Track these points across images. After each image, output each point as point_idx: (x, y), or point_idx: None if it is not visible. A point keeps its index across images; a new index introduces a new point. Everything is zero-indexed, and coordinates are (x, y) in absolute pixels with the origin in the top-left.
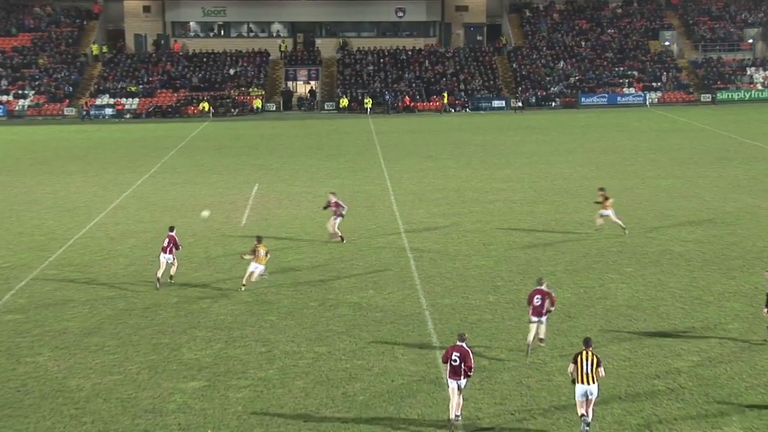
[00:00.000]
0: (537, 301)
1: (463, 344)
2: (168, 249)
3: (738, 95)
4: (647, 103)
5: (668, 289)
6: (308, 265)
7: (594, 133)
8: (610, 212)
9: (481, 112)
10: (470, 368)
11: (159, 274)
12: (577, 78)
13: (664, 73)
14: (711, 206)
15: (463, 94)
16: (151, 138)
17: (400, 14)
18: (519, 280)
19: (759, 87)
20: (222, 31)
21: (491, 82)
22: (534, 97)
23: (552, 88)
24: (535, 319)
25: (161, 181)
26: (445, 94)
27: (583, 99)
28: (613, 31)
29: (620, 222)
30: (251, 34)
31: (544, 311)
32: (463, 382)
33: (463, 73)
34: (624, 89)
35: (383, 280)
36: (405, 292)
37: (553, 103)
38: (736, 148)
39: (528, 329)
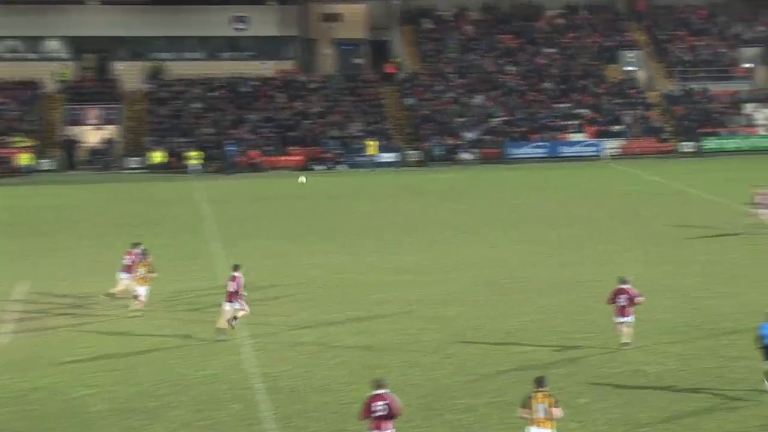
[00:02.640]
0: (622, 300)
1: (385, 391)
2: None
3: (732, 143)
4: (604, 154)
5: None
6: (107, 405)
7: (529, 199)
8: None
9: (362, 169)
10: (399, 409)
11: None
12: (502, 119)
13: (628, 112)
14: (698, 305)
15: (332, 143)
16: None
17: (240, 26)
18: (422, 419)
19: (761, 131)
20: None
21: (377, 126)
22: (439, 148)
23: (466, 135)
24: (620, 320)
25: None
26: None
27: (511, 149)
28: (552, 50)
29: None
30: (13, 55)
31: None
32: None
33: (335, 112)
34: (570, 135)
35: (219, 424)
36: None
37: (469, 156)
38: (732, 220)
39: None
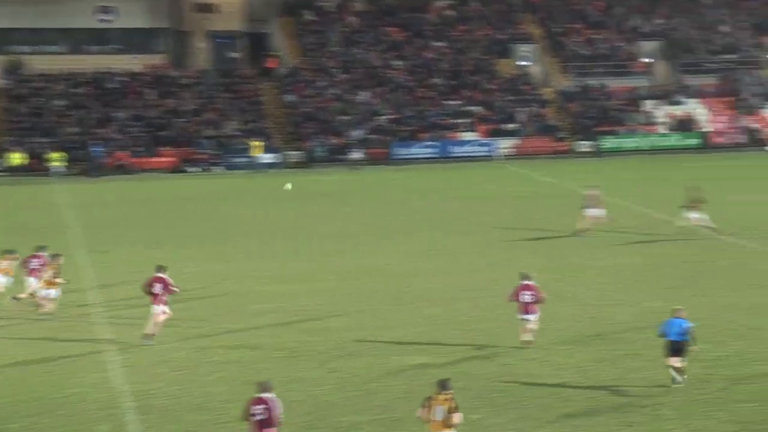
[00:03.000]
0: (526, 297)
1: (269, 395)
2: None
3: (630, 142)
4: (497, 155)
5: None
6: None
7: (418, 203)
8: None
9: (238, 171)
10: (277, 418)
11: None
12: (389, 117)
13: (522, 110)
14: (596, 313)
15: (207, 143)
16: None
17: (106, 17)
18: None
19: (661, 129)
20: None
21: (255, 125)
22: (322, 148)
23: (351, 134)
24: (524, 317)
25: None
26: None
27: (398, 150)
28: (442, 44)
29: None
30: None
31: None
32: None
33: (209, 110)
34: (461, 134)
35: None
36: None
37: (355, 156)
38: (632, 223)
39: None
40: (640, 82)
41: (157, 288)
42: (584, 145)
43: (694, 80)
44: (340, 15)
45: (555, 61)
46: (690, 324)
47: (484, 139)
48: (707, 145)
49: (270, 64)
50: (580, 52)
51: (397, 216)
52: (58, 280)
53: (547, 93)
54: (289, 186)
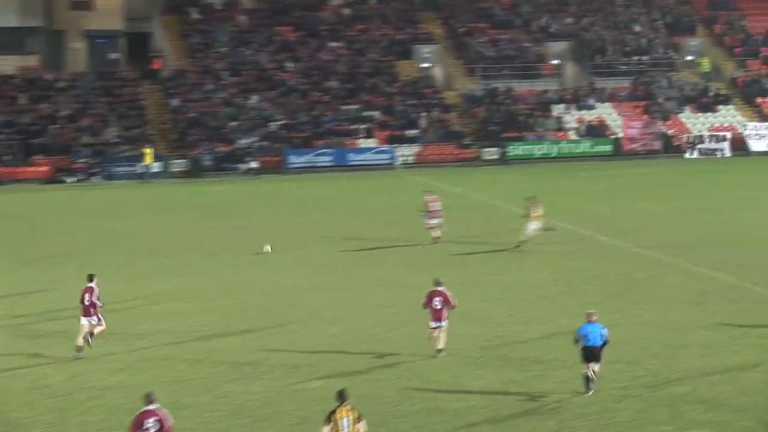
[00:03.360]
0: (437, 303)
1: (157, 407)
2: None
3: (539, 149)
4: (398, 163)
5: None
6: None
7: (313, 215)
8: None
9: (119, 181)
10: (171, 429)
11: None
12: (281, 123)
13: (423, 115)
14: (503, 332)
15: (85, 151)
16: None
17: None
18: None
19: (572, 136)
20: None
21: (137, 131)
22: (209, 156)
23: (241, 141)
24: (435, 324)
25: None
26: None
27: (291, 158)
28: (338, 44)
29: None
30: None
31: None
32: None
33: (87, 116)
34: (359, 141)
35: None
36: None
37: (246, 166)
38: (541, 236)
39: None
40: (550, 85)
41: (87, 299)
42: (490, 153)
43: (605, 83)
44: (229, 13)
45: (459, 63)
46: (605, 329)
47: (384, 147)
48: (620, 152)
49: (155, 65)
50: (486, 53)
51: (289, 229)
52: None
53: (450, 97)
54: (268, 248)
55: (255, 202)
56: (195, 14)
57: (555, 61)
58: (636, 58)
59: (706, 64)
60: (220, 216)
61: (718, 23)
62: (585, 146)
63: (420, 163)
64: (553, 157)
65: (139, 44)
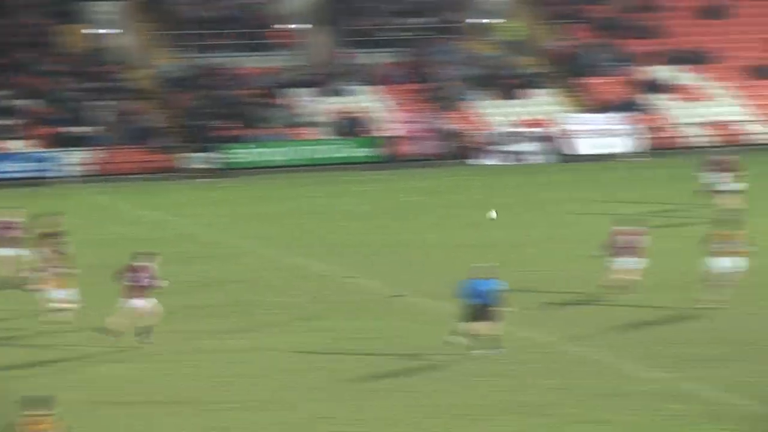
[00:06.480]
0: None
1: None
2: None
3: (272, 153)
4: (67, 173)
5: None
6: None
7: None
8: None
9: None
10: None
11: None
12: None
13: (102, 105)
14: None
15: None
16: None
17: None
18: None
19: (319, 134)
20: None
21: None
22: None
23: None
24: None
25: None
26: None
27: None
28: None
29: None
30: None
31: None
32: None
33: None
34: (5, 143)
35: None
36: None
37: None
38: (278, 277)
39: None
40: (286, 61)
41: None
42: (200, 159)
43: (367, 58)
44: None
45: (154, 28)
46: (499, 284)
47: (43, 151)
48: (391, 158)
49: None
50: (191, 14)
51: None
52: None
53: (141, 79)
54: (494, 214)
55: None
56: None
57: (293, 27)
58: (409, 21)
59: (515, 30)
60: None
61: None
62: (337, 149)
63: (99, 174)
64: (294, 165)
65: None
